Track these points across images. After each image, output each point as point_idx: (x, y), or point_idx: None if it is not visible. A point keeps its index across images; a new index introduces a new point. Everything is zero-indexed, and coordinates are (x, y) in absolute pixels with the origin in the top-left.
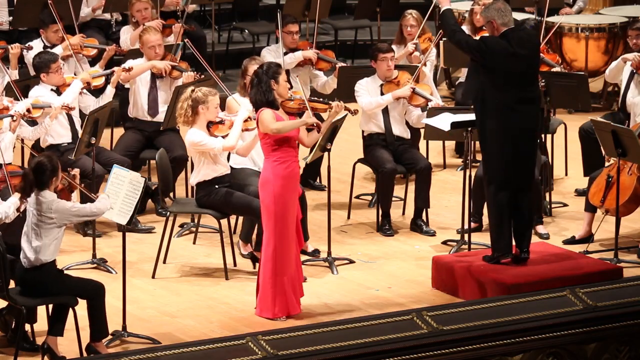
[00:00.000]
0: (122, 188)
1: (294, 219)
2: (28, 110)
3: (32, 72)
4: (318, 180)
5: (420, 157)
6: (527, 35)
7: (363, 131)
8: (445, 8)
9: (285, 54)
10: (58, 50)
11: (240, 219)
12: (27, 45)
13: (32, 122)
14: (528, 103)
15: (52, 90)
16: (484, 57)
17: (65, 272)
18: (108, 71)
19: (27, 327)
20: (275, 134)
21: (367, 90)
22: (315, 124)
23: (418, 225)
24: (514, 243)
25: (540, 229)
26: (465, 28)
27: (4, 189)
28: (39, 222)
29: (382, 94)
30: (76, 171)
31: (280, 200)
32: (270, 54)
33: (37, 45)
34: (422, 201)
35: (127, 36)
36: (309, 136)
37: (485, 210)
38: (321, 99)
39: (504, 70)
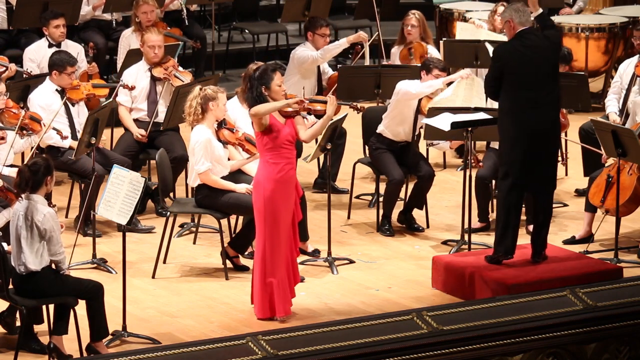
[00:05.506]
0: (122, 188)
1: (287, 222)
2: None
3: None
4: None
5: (425, 163)
6: (544, 37)
7: (378, 133)
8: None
9: None
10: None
11: (241, 218)
12: (28, 71)
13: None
14: (542, 105)
15: (56, 90)
16: (502, 70)
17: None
18: (111, 84)
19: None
20: (262, 117)
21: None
22: (298, 102)
23: (407, 218)
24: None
25: None
26: (485, 27)
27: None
28: (27, 227)
29: (418, 105)
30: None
31: (271, 203)
32: (306, 51)
33: (42, 44)
34: (416, 202)
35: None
36: (306, 131)
37: (490, 210)
38: (319, 99)
39: (514, 72)
